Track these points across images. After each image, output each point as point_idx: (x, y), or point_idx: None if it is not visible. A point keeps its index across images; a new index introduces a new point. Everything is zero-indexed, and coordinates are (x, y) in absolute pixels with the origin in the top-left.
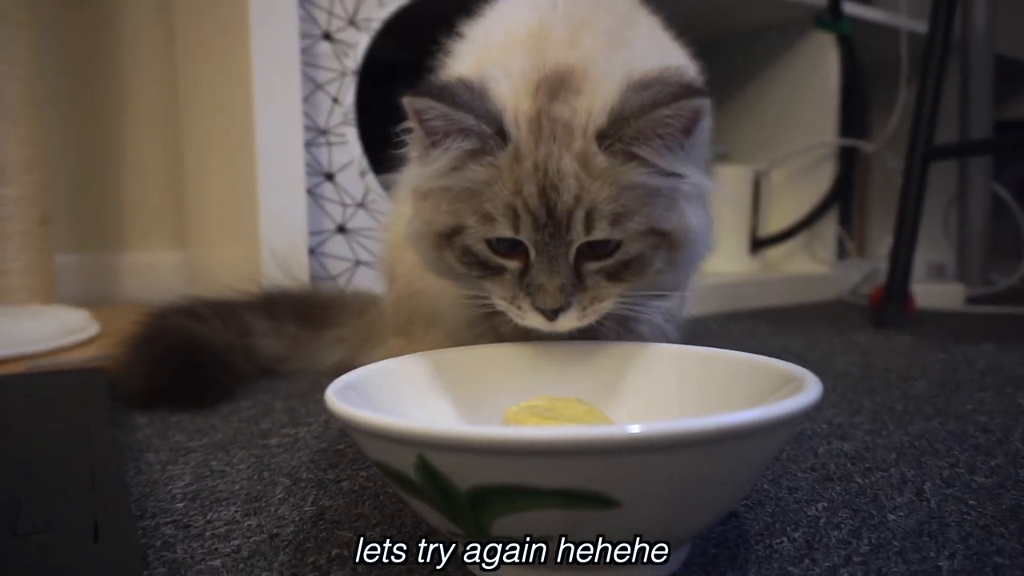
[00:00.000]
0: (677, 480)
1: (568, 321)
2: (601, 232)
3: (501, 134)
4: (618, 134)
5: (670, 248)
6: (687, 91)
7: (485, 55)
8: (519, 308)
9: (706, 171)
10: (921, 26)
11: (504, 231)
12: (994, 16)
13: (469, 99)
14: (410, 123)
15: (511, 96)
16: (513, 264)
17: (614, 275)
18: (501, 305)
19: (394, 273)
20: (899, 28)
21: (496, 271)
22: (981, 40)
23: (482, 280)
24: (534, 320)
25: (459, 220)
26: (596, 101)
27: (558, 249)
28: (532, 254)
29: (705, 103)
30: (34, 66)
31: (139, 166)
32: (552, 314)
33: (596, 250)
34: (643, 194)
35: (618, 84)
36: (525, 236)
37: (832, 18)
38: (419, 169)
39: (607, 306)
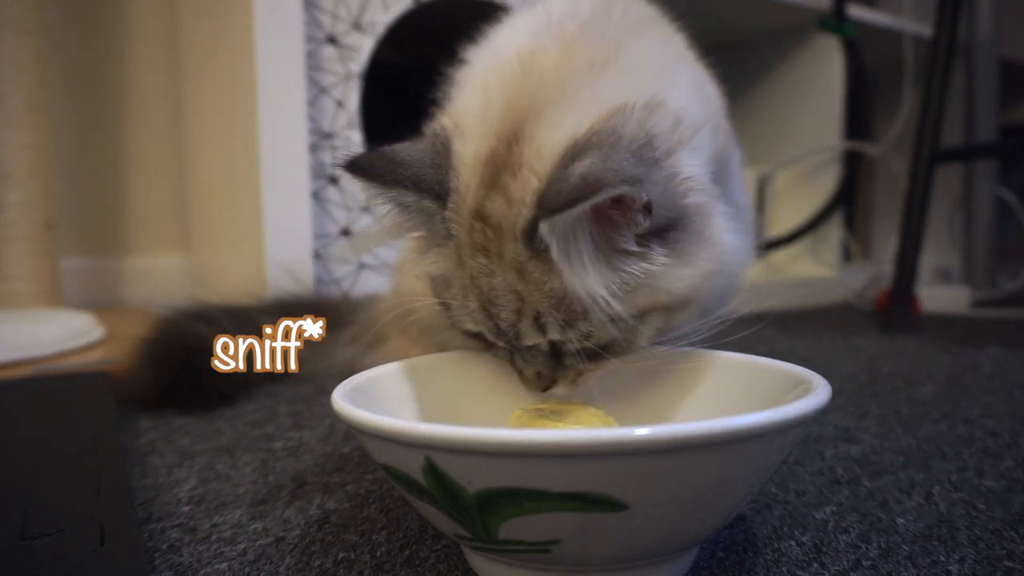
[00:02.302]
0: (685, 483)
1: (560, 391)
2: (555, 335)
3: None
4: (540, 233)
5: (664, 313)
6: (587, 189)
7: (484, 86)
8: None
9: (697, 192)
10: (925, 29)
11: (472, 327)
12: (999, 19)
13: (416, 168)
14: None
15: (468, 164)
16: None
17: (595, 356)
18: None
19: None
20: (903, 31)
21: (490, 344)
22: (986, 43)
23: (480, 348)
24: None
25: (442, 299)
26: (530, 185)
27: (522, 347)
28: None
29: (628, 192)
30: (40, 72)
31: (144, 170)
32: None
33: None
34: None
35: (559, 146)
36: (490, 338)
37: (836, 21)
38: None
39: (601, 373)
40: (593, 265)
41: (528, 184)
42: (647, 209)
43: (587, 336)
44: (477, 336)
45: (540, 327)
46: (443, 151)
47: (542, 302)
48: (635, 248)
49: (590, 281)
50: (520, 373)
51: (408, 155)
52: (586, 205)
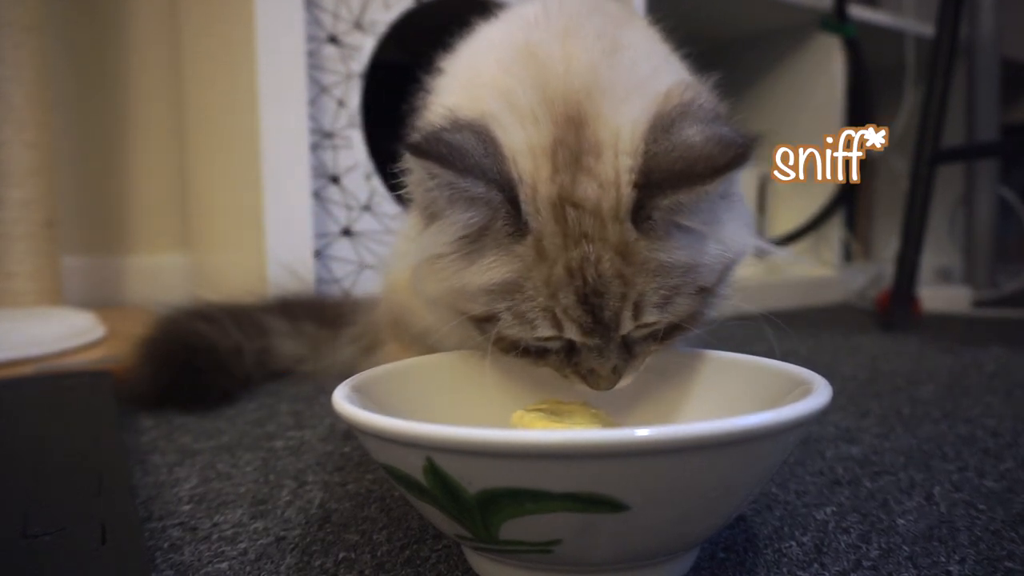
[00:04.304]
0: (686, 484)
1: (624, 383)
2: (650, 317)
3: (514, 205)
4: (653, 207)
5: (720, 285)
6: (731, 158)
7: (474, 84)
8: (566, 377)
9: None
10: (927, 29)
11: (546, 332)
12: (1000, 19)
13: (477, 157)
14: (408, 165)
15: (527, 154)
16: (556, 344)
17: (665, 336)
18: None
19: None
20: (905, 31)
21: (539, 354)
22: (987, 43)
23: (521, 359)
24: (589, 391)
25: (491, 311)
26: (621, 165)
27: (609, 340)
28: (577, 342)
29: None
30: (41, 70)
31: (145, 169)
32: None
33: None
34: (688, 264)
35: (639, 124)
36: (571, 336)
37: (838, 21)
38: (422, 233)
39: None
40: (703, 233)
41: (618, 163)
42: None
43: (671, 316)
44: (545, 342)
45: (637, 314)
46: (490, 141)
47: (648, 283)
48: (724, 214)
49: (698, 250)
50: (590, 373)
51: (464, 144)
52: (736, 169)
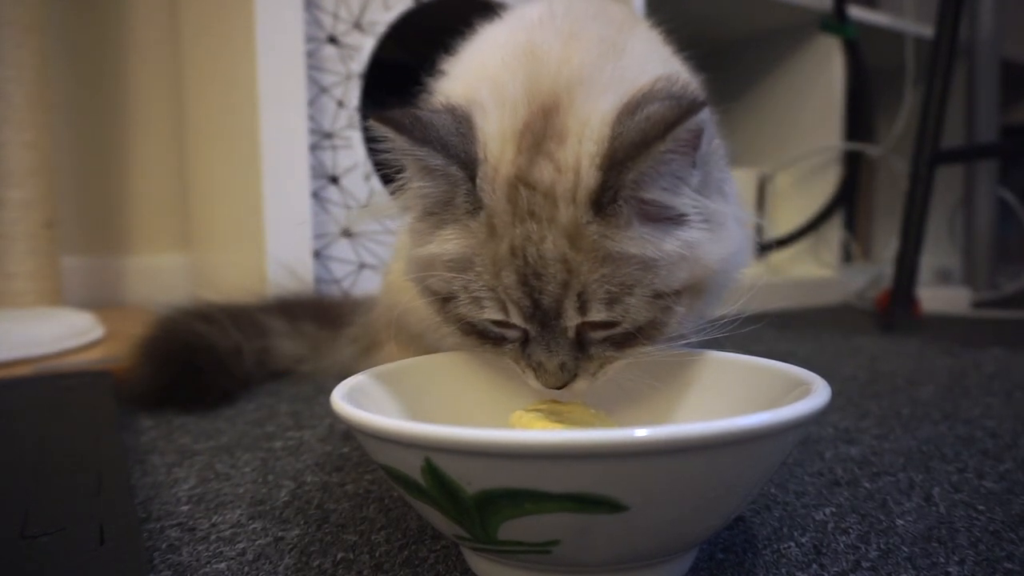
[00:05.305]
0: (685, 484)
1: (580, 386)
2: (596, 314)
3: (475, 183)
4: (620, 185)
5: (691, 295)
6: (679, 112)
7: (475, 79)
8: (523, 373)
9: (723, 169)
10: (927, 30)
11: (493, 314)
12: (1000, 20)
13: (443, 132)
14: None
15: (497, 137)
16: (513, 333)
17: (623, 343)
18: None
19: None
20: (904, 32)
21: (496, 341)
22: (987, 44)
23: (482, 348)
24: (542, 388)
25: (450, 289)
26: (584, 151)
27: (554, 331)
28: (529, 332)
29: (703, 116)
30: (41, 70)
31: (145, 169)
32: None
33: (598, 322)
34: (641, 259)
35: (608, 114)
36: (515, 321)
37: (837, 22)
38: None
39: (621, 364)
40: (659, 225)
41: (581, 149)
42: (694, 164)
43: (623, 317)
44: (494, 327)
45: (582, 307)
46: (466, 123)
47: (592, 273)
48: (690, 209)
49: (655, 246)
50: (539, 366)
51: (434, 120)
52: (695, 120)
